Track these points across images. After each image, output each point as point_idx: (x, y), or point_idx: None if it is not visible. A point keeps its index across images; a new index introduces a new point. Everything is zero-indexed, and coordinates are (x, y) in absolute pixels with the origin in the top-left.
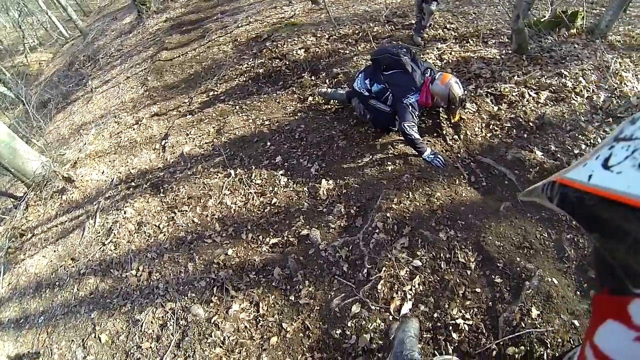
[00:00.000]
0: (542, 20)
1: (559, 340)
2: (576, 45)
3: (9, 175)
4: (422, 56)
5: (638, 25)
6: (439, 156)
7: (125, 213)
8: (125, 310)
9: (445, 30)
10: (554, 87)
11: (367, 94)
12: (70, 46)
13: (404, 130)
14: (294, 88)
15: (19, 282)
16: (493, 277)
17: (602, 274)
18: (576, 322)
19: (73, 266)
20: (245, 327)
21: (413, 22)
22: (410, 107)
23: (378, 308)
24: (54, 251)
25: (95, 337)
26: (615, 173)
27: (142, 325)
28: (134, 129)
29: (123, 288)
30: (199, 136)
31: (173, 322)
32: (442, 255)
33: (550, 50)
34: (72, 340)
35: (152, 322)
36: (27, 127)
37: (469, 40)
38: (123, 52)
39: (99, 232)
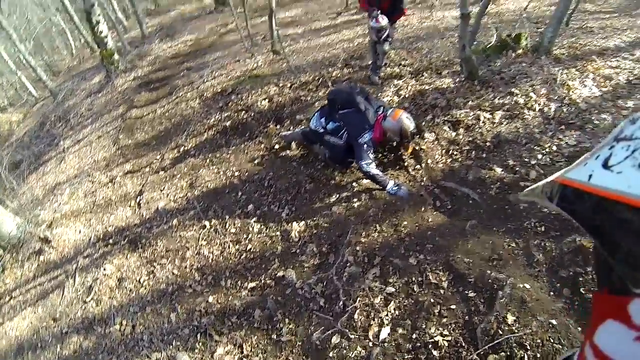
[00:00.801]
0: (489, 46)
1: (538, 340)
2: (524, 64)
3: None
4: (379, 94)
5: (581, 37)
6: (402, 187)
7: (105, 270)
8: None
9: (400, 67)
10: (507, 106)
11: (322, 131)
12: (41, 106)
13: (363, 169)
14: (260, 138)
15: None
16: (466, 292)
17: (602, 273)
18: (554, 321)
19: (55, 326)
20: None
21: (370, 63)
22: (365, 145)
23: (357, 336)
24: (34, 312)
25: None
26: (616, 173)
27: None
28: (108, 187)
29: (107, 343)
30: (173, 191)
31: None
32: (414, 279)
33: (500, 72)
34: None
35: None
36: None
37: (424, 73)
38: (93, 111)
39: (80, 291)
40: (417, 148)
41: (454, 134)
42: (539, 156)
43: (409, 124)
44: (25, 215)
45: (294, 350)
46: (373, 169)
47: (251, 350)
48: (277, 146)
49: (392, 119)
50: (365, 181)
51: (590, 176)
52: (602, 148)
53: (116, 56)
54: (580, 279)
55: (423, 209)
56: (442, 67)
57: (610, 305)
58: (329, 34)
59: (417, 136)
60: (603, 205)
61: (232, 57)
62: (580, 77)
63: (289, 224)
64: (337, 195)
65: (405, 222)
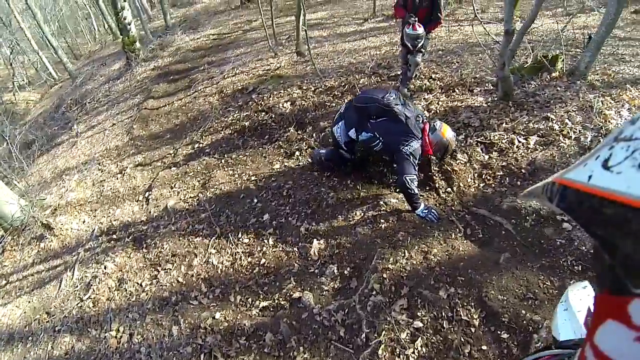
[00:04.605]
0: (524, 66)
1: None
2: (559, 88)
3: None
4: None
5: (613, 64)
6: (432, 210)
7: (105, 268)
8: None
9: (430, 80)
10: (542, 132)
11: (345, 140)
12: (59, 88)
13: (405, 184)
14: (280, 142)
15: None
16: (499, 332)
17: (602, 274)
18: None
19: (48, 321)
20: None
21: (399, 73)
22: (411, 156)
23: None
24: (29, 302)
25: None
26: (615, 173)
27: None
28: (117, 179)
29: (101, 350)
30: (184, 190)
31: None
32: (443, 314)
33: (535, 94)
34: None
35: None
36: (8, 167)
37: (455, 89)
38: (110, 98)
39: (77, 287)
40: (448, 168)
41: (487, 156)
42: None
43: (454, 142)
44: (31, 198)
45: None
46: (415, 187)
47: None
48: (297, 153)
49: (441, 135)
50: (393, 200)
51: (590, 177)
52: (602, 148)
53: (138, 44)
54: None
55: (453, 236)
56: (473, 84)
57: (610, 306)
58: (355, 39)
59: (449, 156)
60: (603, 206)
61: (255, 55)
62: (616, 107)
63: (308, 240)
64: (362, 214)
65: (435, 250)
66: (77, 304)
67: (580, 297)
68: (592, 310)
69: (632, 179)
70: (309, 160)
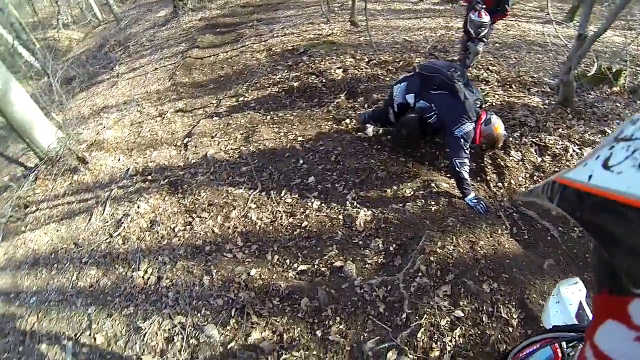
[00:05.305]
0: (586, 74)
1: None
2: (618, 104)
3: (22, 144)
4: None
5: None
6: (482, 202)
7: (138, 207)
8: (127, 313)
9: (488, 71)
10: (597, 145)
11: (400, 102)
12: (103, 29)
13: (455, 167)
14: (330, 108)
15: (15, 254)
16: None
17: (602, 274)
18: None
19: (75, 251)
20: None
21: (455, 58)
22: (461, 139)
23: (416, 357)
24: (57, 230)
25: (90, 335)
26: (616, 173)
27: (144, 335)
28: (156, 122)
29: (127, 288)
30: (225, 140)
31: (182, 339)
32: (484, 308)
33: (594, 105)
34: (64, 333)
35: (156, 334)
36: (48, 100)
37: (512, 85)
38: (154, 43)
39: (107, 222)
40: (501, 163)
41: (539, 159)
42: None
43: (502, 140)
44: (68, 131)
45: (339, 355)
46: (465, 171)
47: (291, 343)
48: (347, 120)
49: (494, 129)
50: (444, 184)
51: (590, 176)
52: (602, 148)
53: None
54: None
55: (500, 231)
56: (530, 83)
57: (610, 306)
58: (409, 18)
59: (502, 151)
60: (603, 206)
61: (306, 18)
62: None
63: (355, 210)
64: (412, 192)
65: (482, 242)
66: (105, 239)
67: (572, 291)
68: (583, 304)
69: (633, 178)
70: (357, 123)
